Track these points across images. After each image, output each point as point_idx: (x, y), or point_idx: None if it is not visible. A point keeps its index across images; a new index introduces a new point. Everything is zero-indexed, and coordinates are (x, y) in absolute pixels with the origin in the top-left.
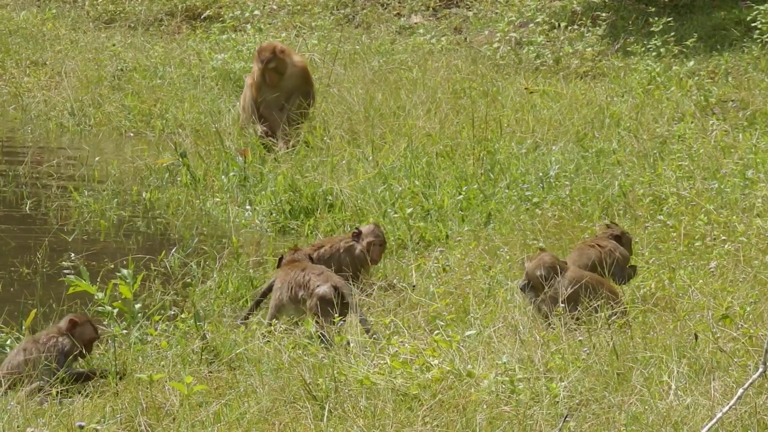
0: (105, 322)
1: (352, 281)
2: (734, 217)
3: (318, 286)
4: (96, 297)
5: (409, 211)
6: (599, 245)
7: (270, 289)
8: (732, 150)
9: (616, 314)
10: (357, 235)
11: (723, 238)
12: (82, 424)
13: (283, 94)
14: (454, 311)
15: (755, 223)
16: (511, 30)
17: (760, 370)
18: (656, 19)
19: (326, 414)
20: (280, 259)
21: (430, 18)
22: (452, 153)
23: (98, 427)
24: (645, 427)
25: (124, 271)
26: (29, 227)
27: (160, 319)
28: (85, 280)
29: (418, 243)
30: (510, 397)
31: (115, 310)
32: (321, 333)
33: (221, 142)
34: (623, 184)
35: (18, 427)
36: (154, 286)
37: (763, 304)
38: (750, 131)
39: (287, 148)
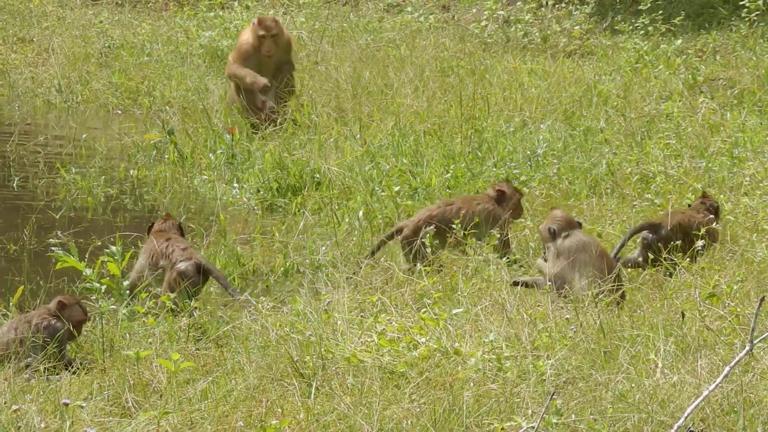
0: (93, 298)
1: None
2: (721, 195)
3: (180, 261)
4: (84, 274)
5: (396, 189)
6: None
7: None
8: (720, 128)
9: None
10: (501, 197)
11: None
12: (68, 401)
13: (272, 67)
14: (442, 289)
15: (742, 201)
16: (499, 8)
17: (747, 348)
18: None
19: (313, 391)
20: (150, 227)
21: None
22: (440, 131)
23: (83, 404)
24: (631, 405)
25: (113, 248)
26: (16, 204)
27: (147, 297)
28: (73, 257)
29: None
30: (497, 375)
31: (103, 287)
32: (174, 304)
33: (209, 120)
34: (611, 163)
35: (5, 403)
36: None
37: (749, 282)
38: (738, 110)
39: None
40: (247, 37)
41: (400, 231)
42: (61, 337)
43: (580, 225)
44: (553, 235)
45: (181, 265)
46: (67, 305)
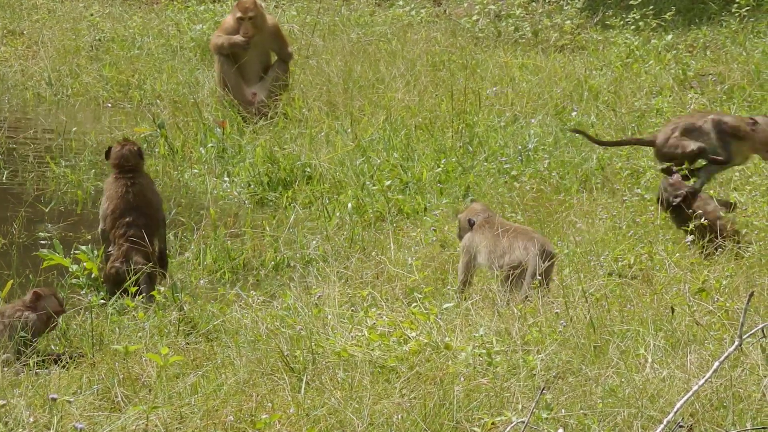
0: (82, 293)
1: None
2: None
3: (118, 261)
4: (70, 269)
5: (387, 183)
6: None
7: None
8: None
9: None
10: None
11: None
12: (55, 396)
13: (258, 54)
14: (432, 283)
15: (732, 197)
16: (490, 2)
17: (736, 343)
18: None
19: (304, 386)
20: (108, 152)
21: None
22: (431, 126)
23: (71, 399)
24: (621, 400)
25: (82, 248)
26: (5, 197)
27: (137, 291)
28: (58, 253)
29: (396, 216)
30: (487, 369)
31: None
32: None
33: (199, 114)
34: (601, 158)
35: None
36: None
37: (739, 277)
38: (728, 105)
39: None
40: (228, 20)
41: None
42: (34, 329)
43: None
44: (472, 225)
45: (115, 267)
46: (42, 296)
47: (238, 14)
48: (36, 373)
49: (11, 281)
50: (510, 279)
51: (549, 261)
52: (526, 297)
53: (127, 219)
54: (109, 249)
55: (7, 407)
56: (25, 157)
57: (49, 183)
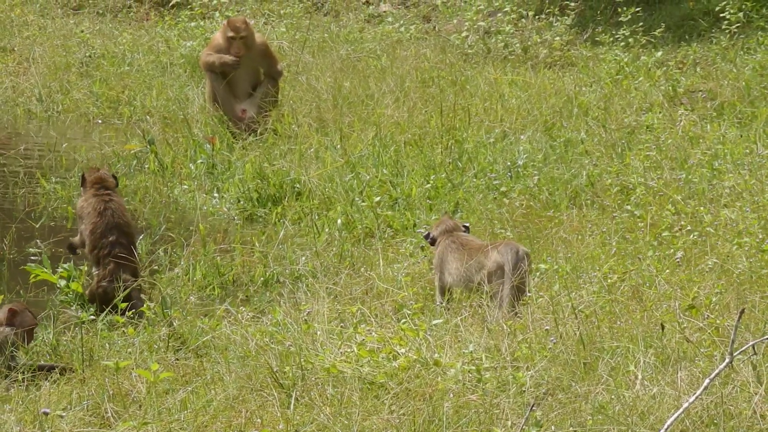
0: (72, 308)
1: None
2: (701, 207)
3: (105, 280)
4: (57, 286)
5: (377, 199)
6: None
7: None
8: (700, 140)
9: None
10: None
11: (689, 228)
12: (47, 411)
13: (248, 71)
14: (422, 299)
15: (722, 213)
16: (480, 19)
17: (726, 360)
18: (624, 9)
19: (293, 402)
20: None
21: (399, 6)
22: (420, 142)
23: (63, 414)
24: (611, 417)
25: (64, 265)
26: None
27: (127, 307)
28: (46, 269)
29: (385, 232)
30: (476, 386)
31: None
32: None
33: (189, 130)
34: (591, 174)
35: None
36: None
37: (729, 294)
38: (718, 122)
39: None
40: (217, 38)
41: None
42: (13, 345)
43: (467, 229)
44: (432, 241)
45: (105, 285)
46: (17, 312)
47: (230, 33)
48: (26, 388)
49: (2, 297)
50: (495, 290)
51: (526, 262)
52: (515, 312)
53: (110, 239)
54: (93, 269)
55: None
56: (16, 173)
57: (40, 199)
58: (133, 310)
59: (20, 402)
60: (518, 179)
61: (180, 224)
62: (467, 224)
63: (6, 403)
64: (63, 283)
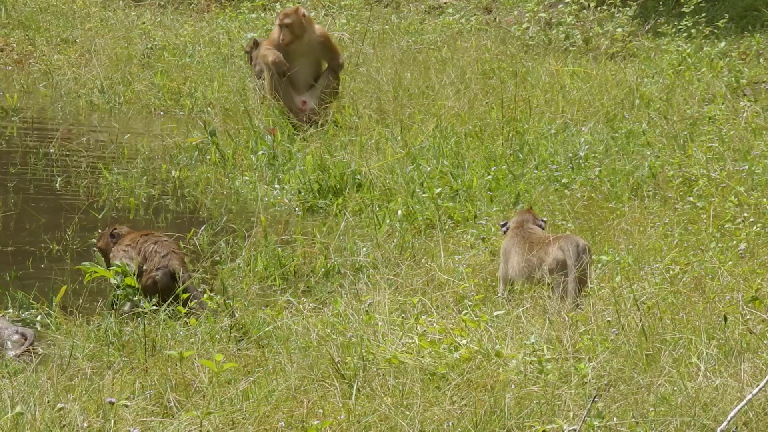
0: (135, 298)
1: None
2: (764, 199)
3: (158, 268)
4: (112, 281)
5: (437, 191)
6: None
7: None
8: (763, 132)
9: None
10: None
11: (752, 219)
12: (113, 400)
13: (308, 63)
14: (483, 291)
15: None
16: (541, 10)
17: None
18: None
19: (354, 392)
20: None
21: None
22: (481, 133)
23: (128, 404)
24: (674, 408)
25: (117, 262)
26: (59, 205)
27: (188, 297)
28: (100, 265)
29: (446, 223)
30: (538, 377)
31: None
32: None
33: (250, 121)
34: (653, 165)
35: (48, 402)
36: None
37: None
38: None
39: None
40: (274, 29)
41: None
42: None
43: (543, 223)
44: (506, 232)
45: (157, 274)
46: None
47: (277, 21)
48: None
49: (65, 287)
50: (556, 283)
51: (587, 255)
52: (577, 305)
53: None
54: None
55: (62, 412)
56: (78, 165)
57: (102, 190)
58: (194, 301)
59: (84, 391)
60: (579, 171)
61: (241, 215)
62: (544, 219)
63: (70, 392)
64: (117, 279)
